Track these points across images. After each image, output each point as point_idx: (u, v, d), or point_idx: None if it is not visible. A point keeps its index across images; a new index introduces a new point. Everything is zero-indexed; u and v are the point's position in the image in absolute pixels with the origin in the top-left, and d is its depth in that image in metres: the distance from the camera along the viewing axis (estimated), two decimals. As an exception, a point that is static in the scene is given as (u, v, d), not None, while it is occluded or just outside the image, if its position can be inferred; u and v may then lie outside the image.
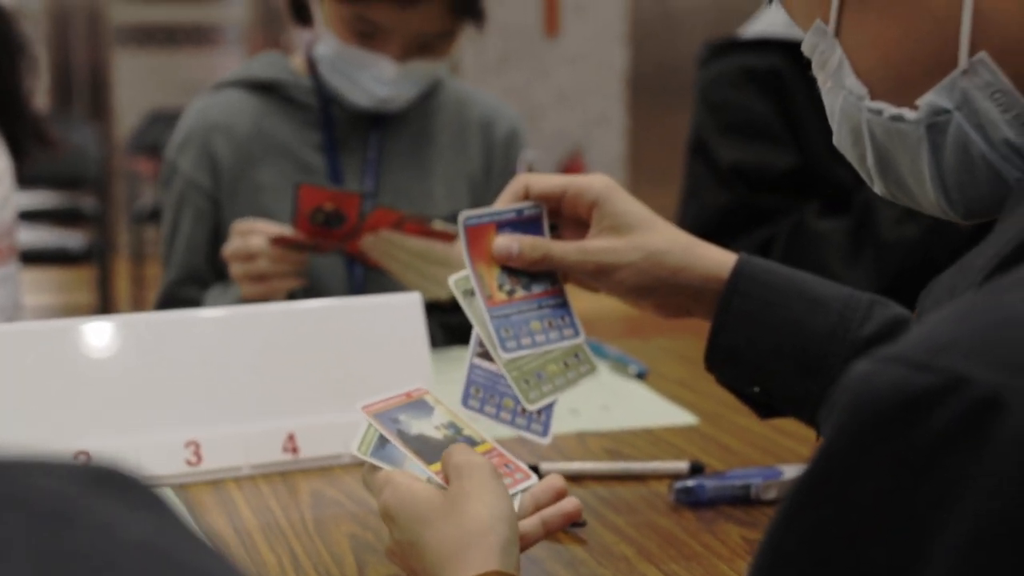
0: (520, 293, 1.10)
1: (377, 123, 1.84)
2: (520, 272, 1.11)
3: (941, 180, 0.75)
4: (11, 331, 1.28)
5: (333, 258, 1.76)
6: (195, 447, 1.27)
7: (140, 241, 4.90)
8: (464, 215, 1.10)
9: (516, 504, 0.98)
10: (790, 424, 1.17)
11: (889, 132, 0.76)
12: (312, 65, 1.82)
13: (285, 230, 1.61)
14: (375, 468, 0.97)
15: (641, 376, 1.65)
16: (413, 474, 0.95)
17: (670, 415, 1.49)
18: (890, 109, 0.76)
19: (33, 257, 4.03)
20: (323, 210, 1.57)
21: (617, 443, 1.39)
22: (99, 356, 1.27)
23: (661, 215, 1.12)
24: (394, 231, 1.58)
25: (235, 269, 1.62)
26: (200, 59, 6.37)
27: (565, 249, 1.10)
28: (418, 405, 1.03)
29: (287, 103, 1.84)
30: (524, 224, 1.12)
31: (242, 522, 1.17)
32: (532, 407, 1.08)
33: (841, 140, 0.82)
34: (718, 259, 1.09)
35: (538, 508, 0.99)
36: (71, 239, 4.29)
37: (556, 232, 1.14)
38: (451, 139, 1.89)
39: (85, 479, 0.38)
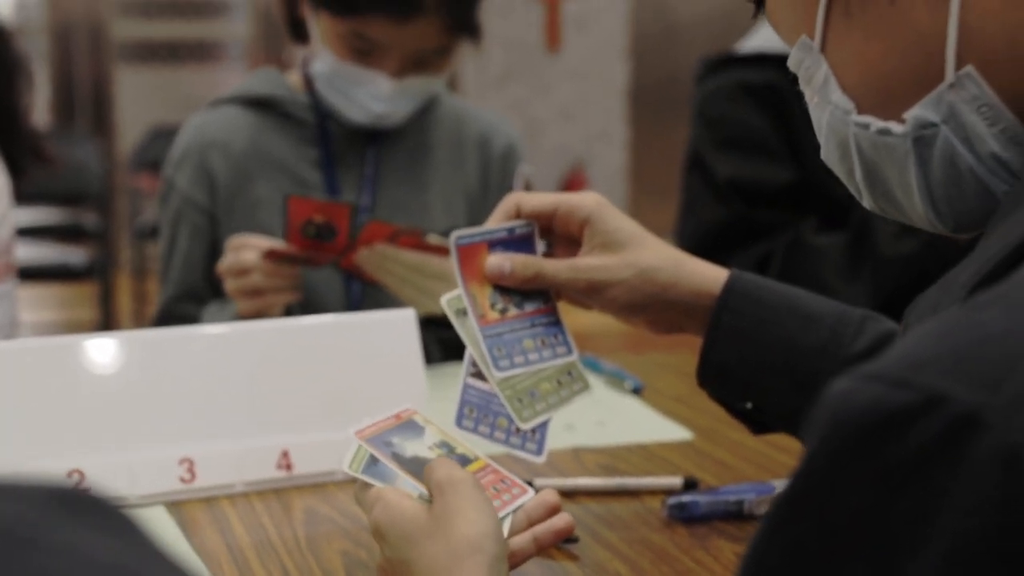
0: (513, 312, 1.10)
1: (374, 139, 1.84)
2: (512, 291, 1.11)
3: (929, 193, 0.75)
4: (7, 349, 1.28)
5: (331, 274, 1.75)
6: (189, 464, 1.27)
7: (142, 257, 4.90)
8: (455, 235, 1.10)
9: (510, 521, 0.98)
10: (786, 440, 1.17)
11: (876, 146, 0.76)
12: (309, 81, 1.83)
13: (278, 244, 1.60)
14: (367, 485, 0.97)
15: (637, 391, 1.64)
16: (404, 491, 0.95)
17: (665, 430, 1.49)
18: (877, 123, 0.76)
19: (36, 273, 4.03)
20: (314, 222, 1.57)
21: (612, 459, 1.38)
22: (92, 374, 1.27)
23: (663, 229, 1.12)
24: (389, 245, 1.57)
25: (229, 284, 1.62)
26: (203, 75, 6.38)
27: (557, 267, 1.10)
28: (409, 426, 1.03)
29: (284, 119, 1.84)
30: (516, 243, 1.11)
31: (235, 539, 1.17)
32: (526, 426, 1.07)
33: (829, 155, 0.82)
34: (709, 275, 1.09)
35: (531, 524, 0.99)
36: (73, 255, 4.30)
37: (549, 250, 1.14)
38: (448, 154, 1.90)
39: (48, 502, 0.38)
